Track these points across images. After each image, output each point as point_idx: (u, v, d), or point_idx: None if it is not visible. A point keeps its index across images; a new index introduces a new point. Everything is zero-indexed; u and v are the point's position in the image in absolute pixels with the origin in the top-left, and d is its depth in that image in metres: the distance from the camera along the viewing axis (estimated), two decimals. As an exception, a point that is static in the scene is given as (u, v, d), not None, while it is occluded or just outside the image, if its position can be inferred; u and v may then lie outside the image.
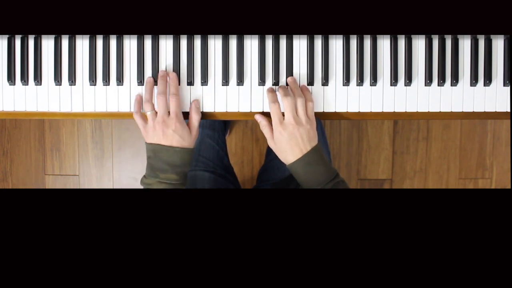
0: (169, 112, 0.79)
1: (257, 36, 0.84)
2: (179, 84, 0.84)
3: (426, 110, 0.86)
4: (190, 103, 0.84)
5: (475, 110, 0.86)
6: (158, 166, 0.79)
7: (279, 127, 0.79)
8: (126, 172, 1.64)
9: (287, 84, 0.84)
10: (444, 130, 1.65)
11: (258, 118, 0.83)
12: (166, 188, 0.79)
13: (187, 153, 0.80)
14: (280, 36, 0.84)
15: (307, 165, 0.79)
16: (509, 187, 1.66)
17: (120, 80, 0.84)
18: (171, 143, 0.78)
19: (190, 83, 0.84)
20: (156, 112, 0.80)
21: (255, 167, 1.64)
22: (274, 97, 0.81)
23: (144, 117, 0.81)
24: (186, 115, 0.83)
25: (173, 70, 0.84)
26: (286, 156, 0.80)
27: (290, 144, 0.78)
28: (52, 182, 1.65)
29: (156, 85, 0.83)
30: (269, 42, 0.84)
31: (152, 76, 0.83)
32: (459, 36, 0.85)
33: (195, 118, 0.82)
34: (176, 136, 0.78)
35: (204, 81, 0.84)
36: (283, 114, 0.80)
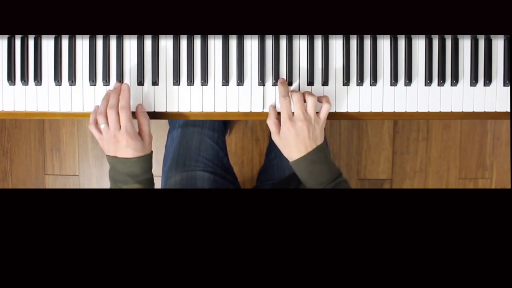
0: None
1: (257, 36, 0.84)
2: (179, 84, 0.84)
3: (426, 110, 0.86)
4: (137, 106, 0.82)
5: (475, 110, 0.86)
6: (119, 178, 0.78)
7: (287, 123, 0.78)
8: (126, 172, 1.64)
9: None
10: (444, 130, 1.65)
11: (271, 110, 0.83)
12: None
13: (145, 160, 0.79)
14: (280, 36, 0.84)
15: (310, 164, 0.79)
16: (509, 187, 1.66)
17: (120, 80, 0.84)
18: (127, 155, 0.77)
19: (190, 83, 0.84)
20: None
21: (255, 167, 1.63)
22: (286, 91, 0.80)
23: (100, 130, 0.79)
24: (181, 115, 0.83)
25: (173, 70, 0.84)
26: (290, 153, 0.80)
27: (296, 141, 0.78)
28: (52, 182, 1.65)
29: None
30: (269, 42, 0.84)
31: (153, 80, 0.84)
32: (459, 36, 0.85)
33: (144, 123, 0.80)
34: (129, 150, 0.77)
35: (204, 81, 0.84)
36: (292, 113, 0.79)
